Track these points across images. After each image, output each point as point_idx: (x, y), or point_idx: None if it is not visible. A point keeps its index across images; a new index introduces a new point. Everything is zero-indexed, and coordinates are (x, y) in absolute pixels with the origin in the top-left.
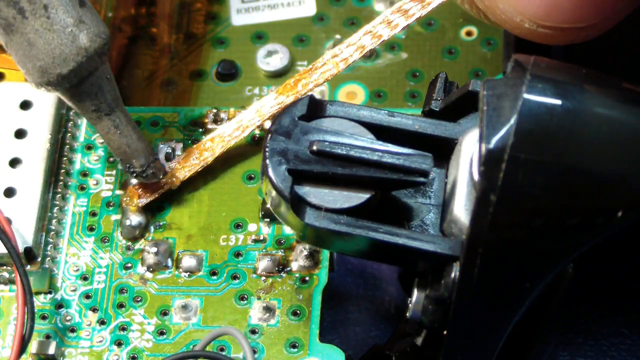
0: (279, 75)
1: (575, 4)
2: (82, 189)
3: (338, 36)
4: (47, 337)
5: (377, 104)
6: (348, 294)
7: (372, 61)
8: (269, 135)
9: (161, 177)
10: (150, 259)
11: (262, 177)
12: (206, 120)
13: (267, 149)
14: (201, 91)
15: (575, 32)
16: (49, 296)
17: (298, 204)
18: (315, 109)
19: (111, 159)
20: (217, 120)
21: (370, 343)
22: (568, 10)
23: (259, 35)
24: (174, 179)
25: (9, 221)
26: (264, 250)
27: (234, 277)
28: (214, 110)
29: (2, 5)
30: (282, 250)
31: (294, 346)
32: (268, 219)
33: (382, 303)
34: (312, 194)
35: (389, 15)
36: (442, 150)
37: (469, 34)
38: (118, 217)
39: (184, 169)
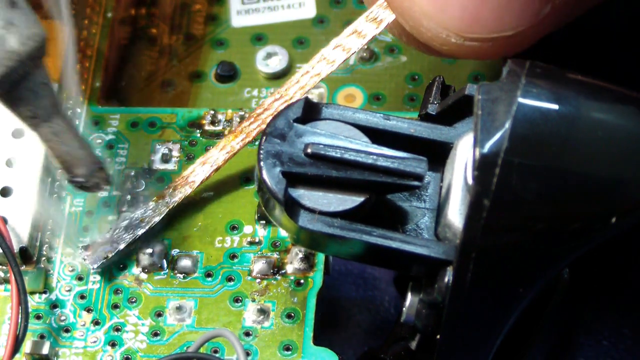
0: (278, 77)
1: (495, 12)
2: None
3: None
4: (41, 337)
5: (376, 107)
6: (343, 297)
7: (371, 64)
8: (264, 138)
9: (106, 187)
10: (146, 260)
11: (256, 179)
12: (204, 122)
13: (261, 151)
14: (200, 92)
15: (505, 42)
16: (43, 296)
17: (292, 207)
18: (310, 111)
19: (108, 159)
20: (214, 122)
21: (365, 347)
22: (489, 19)
23: (259, 37)
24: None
25: (4, 220)
26: (259, 252)
27: (229, 279)
28: (212, 112)
29: None
30: (277, 253)
31: (287, 349)
32: (264, 221)
33: (377, 307)
34: (306, 196)
35: (342, 40)
36: (438, 154)
37: None
38: (114, 217)
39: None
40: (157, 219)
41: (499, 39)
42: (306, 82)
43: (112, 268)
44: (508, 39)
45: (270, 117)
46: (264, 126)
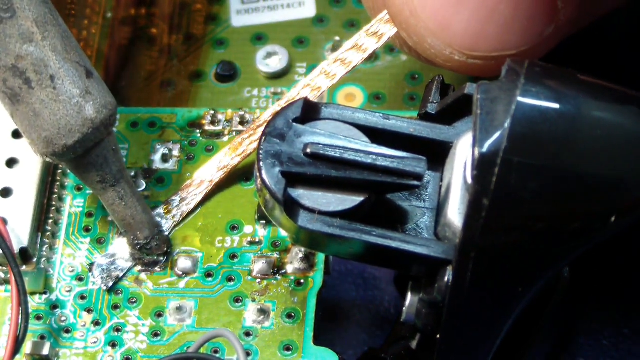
0: (278, 77)
1: (498, 31)
2: (79, 189)
3: (337, 38)
4: (42, 337)
5: (376, 106)
6: (343, 297)
7: (372, 63)
8: (263, 138)
9: (166, 249)
10: (146, 260)
11: (256, 179)
12: (204, 122)
13: (261, 151)
14: (200, 92)
15: (505, 59)
16: (44, 297)
17: (291, 207)
18: (309, 111)
19: None
20: (214, 122)
21: (366, 346)
22: (493, 38)
23: (259, 36)
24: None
25: (4, 221)
26: (259, 252)
27: (229, 279)
28: (212, 112)
29: (9, 75)
30: (277, 253)
31: (288, 349)
32: (264, 221)
33: (377, 307)
34: (306, 196)
35: (342, 54)
36: (437, 154)
37: None
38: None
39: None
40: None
41: (502, 57)
42: (306, 95)
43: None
44: (511, 57)
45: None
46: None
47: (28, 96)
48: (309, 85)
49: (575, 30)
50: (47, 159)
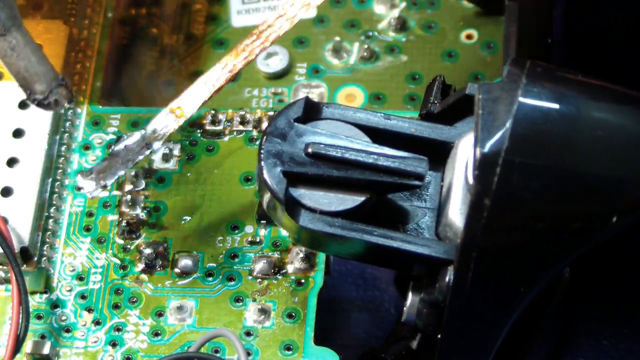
0: (278, 77)
1: None
2: (79, 189)
3: (338, 38)
4: (42, 337)
5: (377, 106)
6: (343, 297)
7: (372, 63)
8: (264, 137)
9: (66, 104)
10: (146, 259)
11: (257, 179)
12: (204, 122)
13: (262, 151)
14: None
15: None
16: (44, 296)
17: (293, 206)
18: (311, 111)
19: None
20: (215, 122)
21: (366, 346)
22: None
23: None
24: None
25: (5, 220)
26: (260, 252)
27: (230, 279)
28: (212, 112)
29: None
30: (278, 253)
31: (288, 349)
32: (264, 221)
33: (377, 307)
34: (307, 196)
35: None
36: (438, 154)
37: (469, 37)
38: (115, 217)
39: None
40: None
41: None
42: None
43: (112, 268)
44: None
45: (273, 34)
46: (267, 44)
47: None
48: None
49: None
50: None
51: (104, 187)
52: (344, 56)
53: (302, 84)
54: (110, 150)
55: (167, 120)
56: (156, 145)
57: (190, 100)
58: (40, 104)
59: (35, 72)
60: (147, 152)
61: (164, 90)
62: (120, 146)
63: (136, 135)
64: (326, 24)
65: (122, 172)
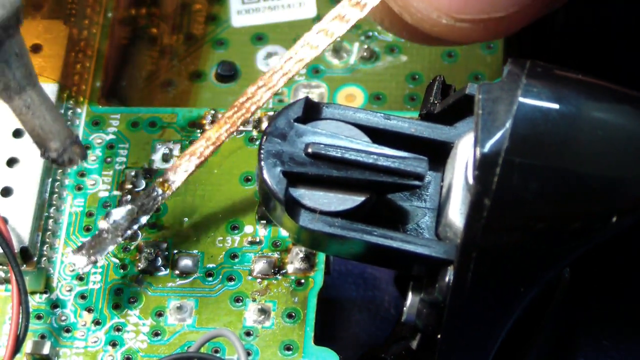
0: None
1: None
2: (79, 189)
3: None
4: (42, 337)
5: (376, 106)
6: (343, 297)
7: (372, 64)
8: (264, 137)
9: (80, 162)
10: (146, 259)
11: (257, 179)
12: (204, 122)
13: (262, 151)
14: (200, 92)
15: (496, 24)
16: (44, 296)
17: (293, 207)
18: (311, 111)
19: (108, 159)
20: (215, 122)
21: (366, 346)
22: (482, 0)
23: (259, 36)
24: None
25: (5, 220)
26: (260, 252)
27: (230, 279)
28: (212, 112)
29: None
30: (278, 253)
31: (288, 349)
32: (264, 221)
33: (377, 307)
34: (307, 196)
35: (325, 25)
36: (438, 154)
37: None
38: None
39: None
40: (143, 219)
41: (490, 20)
42: (289, 68)
43: (112, 268)
44: (499, 21)
45: (254, 106)
46: (247, 115)
47: None
48: (292, 58)
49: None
50: None
51: (95, 262)
52: (344, 56)
53: (302, 84)
54: (99, 227)
55: (154, 194)
56: (143, 219)
57: (177, 174)
58: (54, 162)
59: (50, 130)
60: (135, 226)
61: (164, 91)
62: (109, 222)
63: (123, 210)
64: None
65: (112, 247)
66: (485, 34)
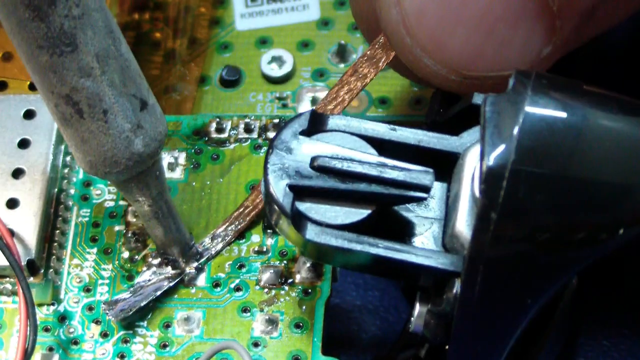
0: (283, 81)
1: (497, 51)
2: (85, 199)
3: (342, 41)
4: (50, 349)
5: (381, 110)
6: (351, 307)
7: None
8: (270, 151)
9: (195, 264)
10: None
11: (263, 192)
12: (209, 129)
13: (268, 165)
14: (205, 97)
15: (503, 80)
16: (52, 308)
17: (299, 220)
18: (316, 122)
19: None
20: (220, 129)
21: (373, 355)
22: (491, 59)
23: (263, 40)
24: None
25: (11, 233)
26: (266, 261)
27: (237, 289)
28: (217, 119)
29: (61, 102)
30: (285, 262)
31: (296, 359)
32: (271, 231)
33: (385, 316)
34: (313, 209)
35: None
36: (445, 164)
37: None
38: (121, 227)
39: None
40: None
41: (498, 77)
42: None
43: (119, 279)
44: (508, 77)
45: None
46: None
47: (78, 124)
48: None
49: (572, 49)
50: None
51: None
52: (348, 59)
53: (307, 87)
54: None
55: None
56: (160, 291)
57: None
58: (169, 263)
59: (172, 239)
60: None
61: (168, 95)
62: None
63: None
64: (330, 26)
65: (131, 309)
66: (493, 89)
